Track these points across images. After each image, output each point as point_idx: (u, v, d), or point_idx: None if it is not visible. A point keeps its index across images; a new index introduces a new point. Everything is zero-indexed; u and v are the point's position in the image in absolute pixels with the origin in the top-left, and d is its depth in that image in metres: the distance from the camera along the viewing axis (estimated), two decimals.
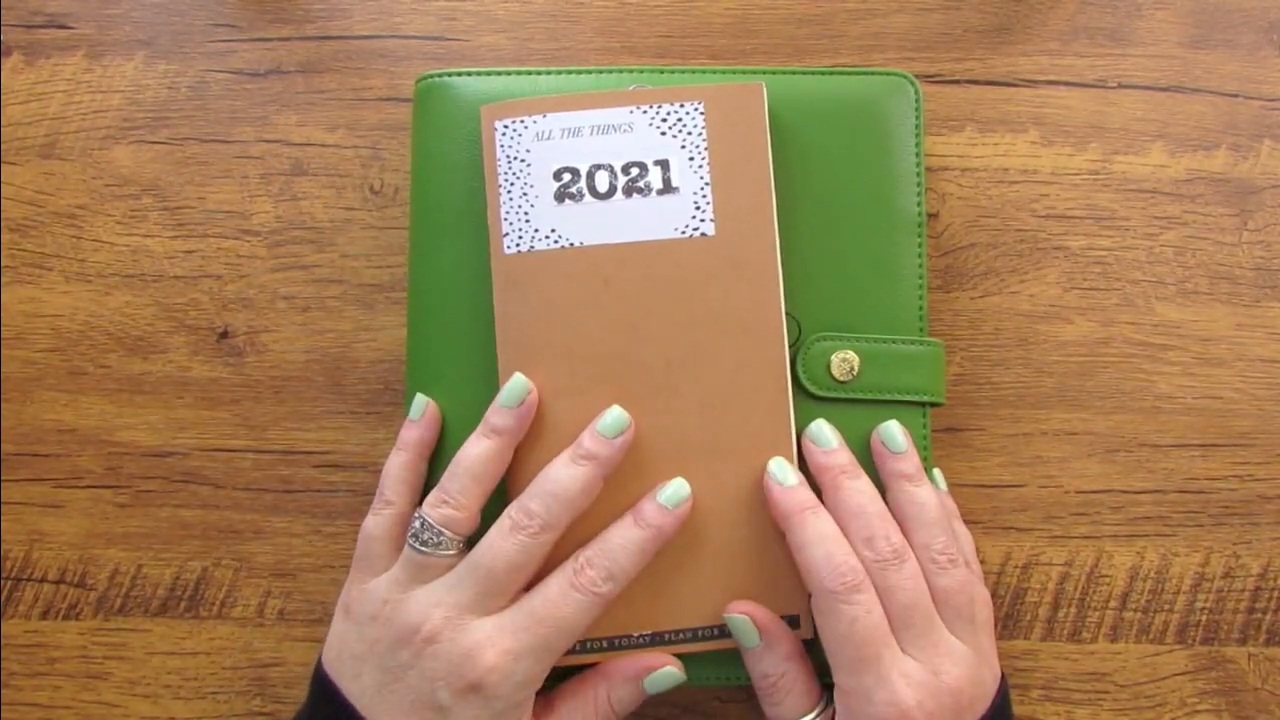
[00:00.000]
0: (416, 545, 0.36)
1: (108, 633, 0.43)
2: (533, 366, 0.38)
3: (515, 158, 0.39)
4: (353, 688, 0.36)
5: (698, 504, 0.38)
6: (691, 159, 0.39)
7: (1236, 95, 0.46)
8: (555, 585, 0.36)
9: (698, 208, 0.38)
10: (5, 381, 0.44)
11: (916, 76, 0.44)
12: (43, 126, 0.46)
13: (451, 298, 0.40)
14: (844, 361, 0.40)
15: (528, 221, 0.38)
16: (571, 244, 0.38)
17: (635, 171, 0.38)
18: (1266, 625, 0.43)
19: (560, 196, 0.38)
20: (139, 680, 0.43)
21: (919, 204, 0.41)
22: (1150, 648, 0.43)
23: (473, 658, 0.35)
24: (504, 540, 0.36)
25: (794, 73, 0.41)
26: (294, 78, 0.46)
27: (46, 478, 0.44)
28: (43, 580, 0.43)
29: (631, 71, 0.42)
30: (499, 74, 0.41)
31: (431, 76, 0.41)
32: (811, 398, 0.40)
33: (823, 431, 0.39)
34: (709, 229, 0.38)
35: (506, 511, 0.36)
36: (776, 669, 0.37)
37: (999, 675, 0.37)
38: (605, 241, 0.38)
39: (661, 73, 0.41)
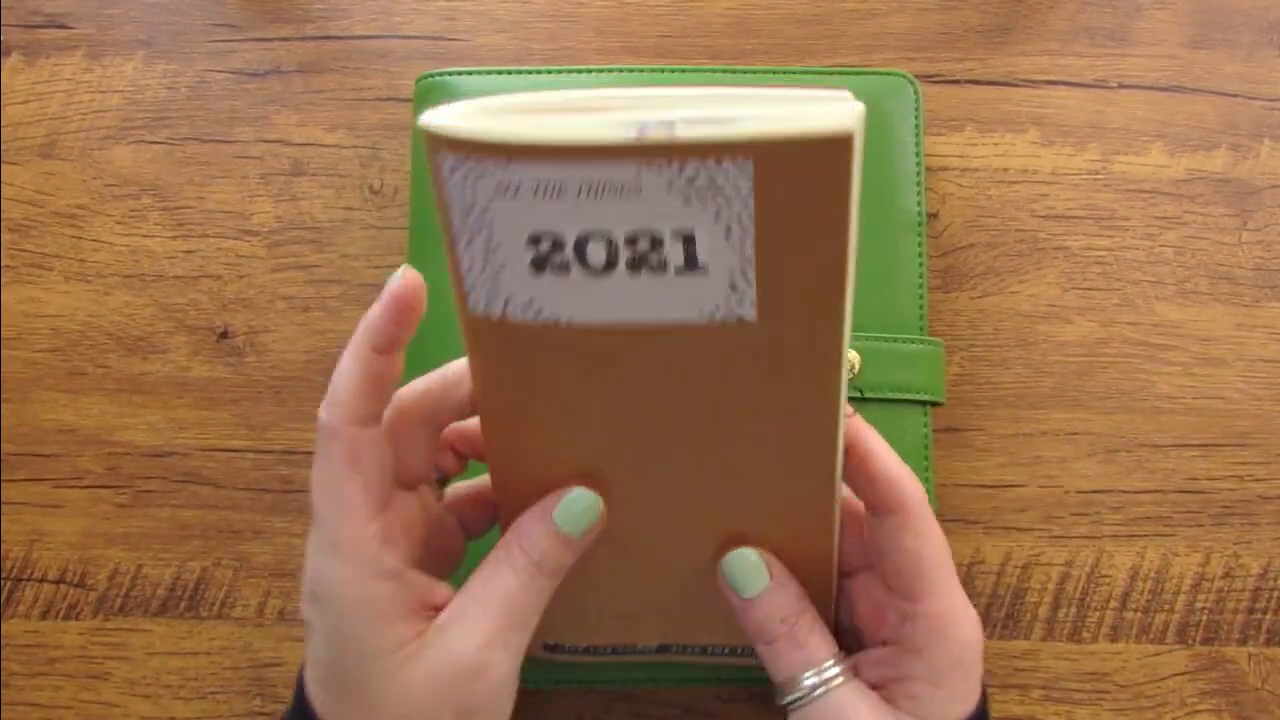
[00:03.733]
0: None
1: (108, 633, 0.43)
2: (520, 434, 0.31)
3: (473, 206, 0.26)
4: None
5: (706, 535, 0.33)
6: (729, 230, 0.25)
7: (1236, 95, 0.46)
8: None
9: (734, 288, 0.27)
10: (5, 381, 0.44)
11: (916, 76, 0.44)
12: (43, 126, 0.46)
13: (450, 298, 0.40)
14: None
15: (496, 286, 0.27)
16: (557, 320, 0.27)
17: (644, 245, 0.26)
18: (1266, 625, 0.43)
19: (538, 265, 0.26)
20: (139, 680, 0.43)
21: (919, 204, 0.41)
22: (1150, 648, 0.43)
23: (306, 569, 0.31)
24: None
25: (794, 73, 0.42)
26: (294, 78, 0.46)
27: (46, 478, 0.44)
28: (43, 580, 0.43)
29: (632, 71, 0.41)
30: (499, 73, 0.41)
31: (431, 76, 0.42)
32: None
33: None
34: (748, 313, 0.27)
35: None
36: (794, 607, 0.33)
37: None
38: (603, 320, 0.27)
39: (663, 72, 0.41)
